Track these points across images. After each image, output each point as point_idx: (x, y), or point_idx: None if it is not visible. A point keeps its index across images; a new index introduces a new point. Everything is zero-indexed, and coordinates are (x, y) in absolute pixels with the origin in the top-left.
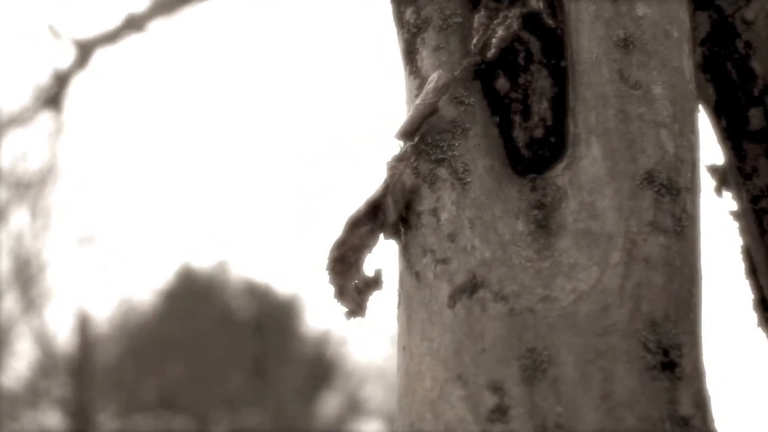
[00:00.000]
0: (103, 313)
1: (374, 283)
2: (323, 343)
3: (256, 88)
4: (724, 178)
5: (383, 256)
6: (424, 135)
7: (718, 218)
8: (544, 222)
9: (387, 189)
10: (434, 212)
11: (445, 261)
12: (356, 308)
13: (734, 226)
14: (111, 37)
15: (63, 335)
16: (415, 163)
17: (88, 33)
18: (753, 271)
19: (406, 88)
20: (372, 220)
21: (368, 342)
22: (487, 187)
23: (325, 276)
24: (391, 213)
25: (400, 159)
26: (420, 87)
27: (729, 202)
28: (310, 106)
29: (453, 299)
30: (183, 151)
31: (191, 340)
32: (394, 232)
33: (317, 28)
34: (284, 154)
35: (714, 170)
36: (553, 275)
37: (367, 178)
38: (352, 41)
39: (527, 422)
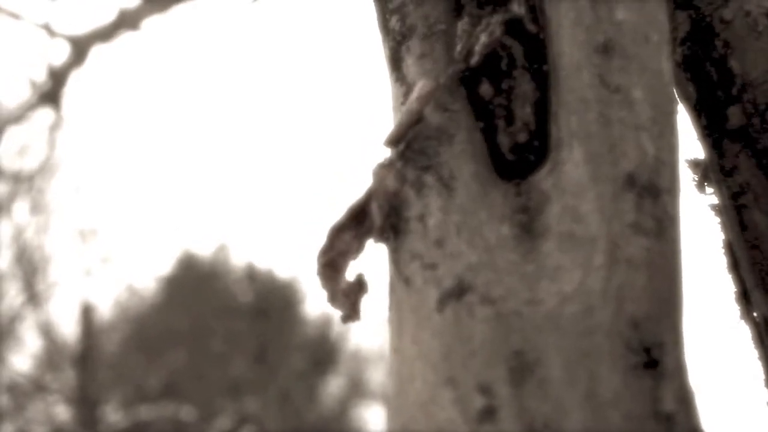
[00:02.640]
0: (106, 302)
1: (358, 287)
2: (325, 327)
3: (251, 77)
4: (705, 173)
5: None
6: (410, 142)
7: (699, 215)
8: (528, 226)
9: (371, 195)
10: (421, 218)
11: (432, 266)
12: (350, 312)
13: (716, 220)
14: (106, 35)
15: (67, 326)
16: (401, 170)
17: (84, 30)
18: (735, 266)
19: (393, 96)
20: (357, 226)
21: (368, 325)
22: (472, 192)
23: (317, 281)
24: (377, 218)
25: (384, 166)
26: (406, 94)
27: (710, 197)
28: (306, 91)
29: (441, 303)
30: (181, 141)
31: (194, 327)
32: (384, 237)
33: (311, 24)
34: (282, 138)
35: (696, 165)
36: (538, 278)
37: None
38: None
39: (515, 422)
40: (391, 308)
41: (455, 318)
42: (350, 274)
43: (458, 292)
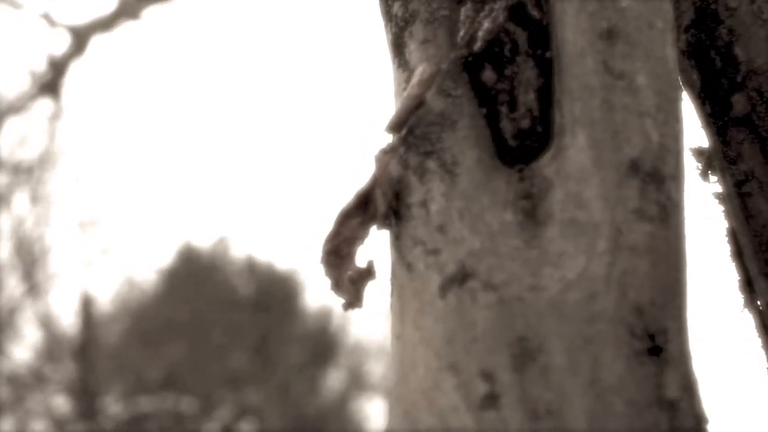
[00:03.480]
0: (106, 294)
1: (367, 273)
2: (325, 319)
3: (251, 68)
4: (709, 161)
5: (378, 245)
6: (412, 127)
7: (702, 203)
8: (531, 212)
9: (375, 181)
10: (424, 204)
11: (435, 252)
12: (353, 299)
13: (720, 209)
14: (106, 24)
15: (67, 317)
16: (404, 156)
17: (84, 20)
18: (739, 253)
19: (395, 82)
20: (363, 212)
21: (368, 318)
22: (475, 178)
23: (320, 269)
24: (381, 204)
25: (387, 152)
26: (408, 80)
27: (714, 185)
28: (307, 84)
29: (444, 289)
30: (181, 132)
31: (193, 319)
32: (386, 223)
33: (315, 21)
34: (282, 130)
35: (700, 153)
36: (540, 264)
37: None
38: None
39: (518, 409)
40: (393, 294)
41: (458, 304)
42: (360, 261)
43: (461, 277)
